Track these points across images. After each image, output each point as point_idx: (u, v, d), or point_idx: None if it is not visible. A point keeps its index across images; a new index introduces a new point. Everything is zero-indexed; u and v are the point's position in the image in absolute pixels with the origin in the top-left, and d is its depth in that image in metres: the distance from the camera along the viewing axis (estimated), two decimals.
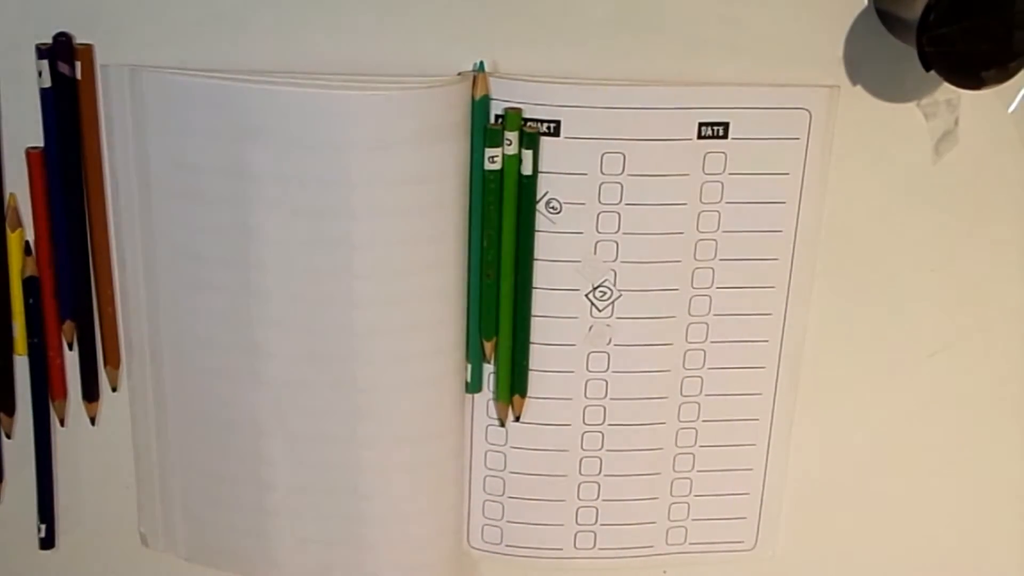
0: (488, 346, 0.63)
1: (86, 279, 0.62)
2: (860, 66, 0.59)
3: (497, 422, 0.65)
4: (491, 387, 0.64)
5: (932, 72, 0.54)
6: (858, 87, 0.60)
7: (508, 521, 0.67)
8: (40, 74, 0.58)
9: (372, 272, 0.59)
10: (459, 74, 0.58)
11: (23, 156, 0.59)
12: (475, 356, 0.63)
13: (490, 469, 0.66)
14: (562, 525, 0.67)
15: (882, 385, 0.66)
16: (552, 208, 0.61)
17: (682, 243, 0.62)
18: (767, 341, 0.64)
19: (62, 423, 0.65)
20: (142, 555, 0.68)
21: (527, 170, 0.59)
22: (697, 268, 0.62)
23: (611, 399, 0.64)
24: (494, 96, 0.59)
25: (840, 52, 0.59)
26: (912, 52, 0.54)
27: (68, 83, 0.58)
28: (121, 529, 0.68)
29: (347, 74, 0.58)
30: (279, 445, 0.63)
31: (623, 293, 0.62)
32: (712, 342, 0.64)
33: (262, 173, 0.58)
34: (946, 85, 0.56)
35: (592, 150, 0.60)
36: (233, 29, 0.58)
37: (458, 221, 0.60)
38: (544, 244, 0.61)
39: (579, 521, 0.67)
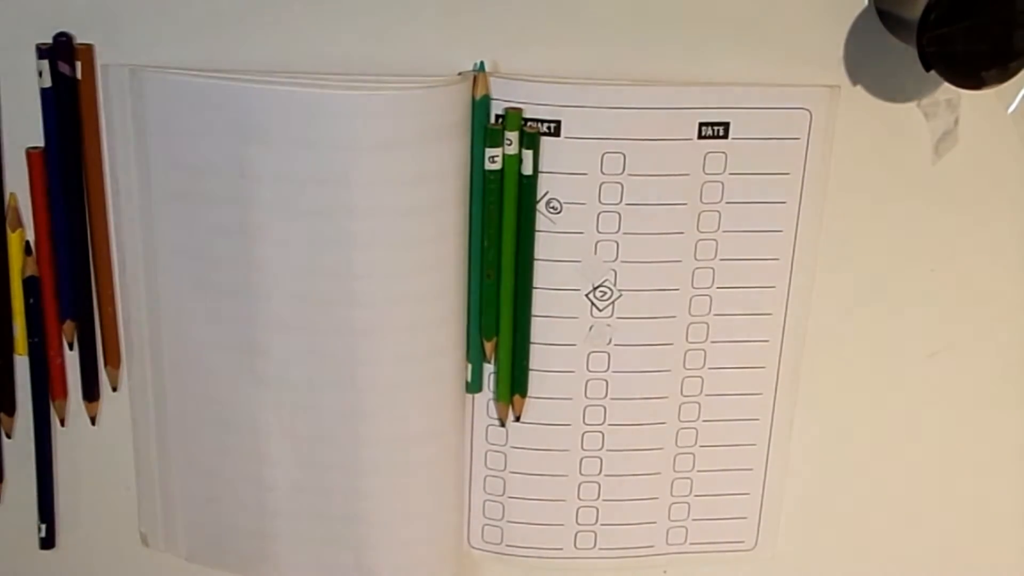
0: (488, 346, 0.63)
1: (86, 279, 0.62)
2: (860, 66, 0.60)
3: (497, 422, 0.65)
4: (491, 387, 0.64)
5: (932, 72, 0.54)
6: (858, 87, 0.60)
7: (508, 521, 0.67)
8: (40, 74, 0.58)
9: (372, 272, 0.59)
10: (459, 74, 0.58)
11: (23, 156, 0.59)
12: (475, 356, 0.63)
13: (490, 469, 0.66)
14: (562, 525, 0.67)
15: (882, 385, 0.66)
16: (552, 208, 0.61)
17: (682, 243, 0.62)
18: (767, 341, 0.64)
19: (62, 423, 0.65)
20: (142, 555, 0.68)
21: (527, 170, 0.59)
22: (697, 268, 0.62)
23: (611, 399, 0.64)
24: (494, 96, 0.59)
25: (840, 52, 0.59)
26: (912, 52, 0.54)
27: (68, 83, 0.58)
28: (121, 529, 0.68)
29: (347, 74, 0.58)
30: (279, 445, 0.63)
31: (623, 293, 0.62)
32: (712, 342, 0.64)
33: (262, 173, 0.58)
34: (946, 85, 0.56)
35: (592, 150, 0.60)
36: (233, 29, 0.58)
37: (458, 221, 0.60)
38: (544, 244, 0.61)
39: (579, 521, 0.67)
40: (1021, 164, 0.62)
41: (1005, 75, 0.55)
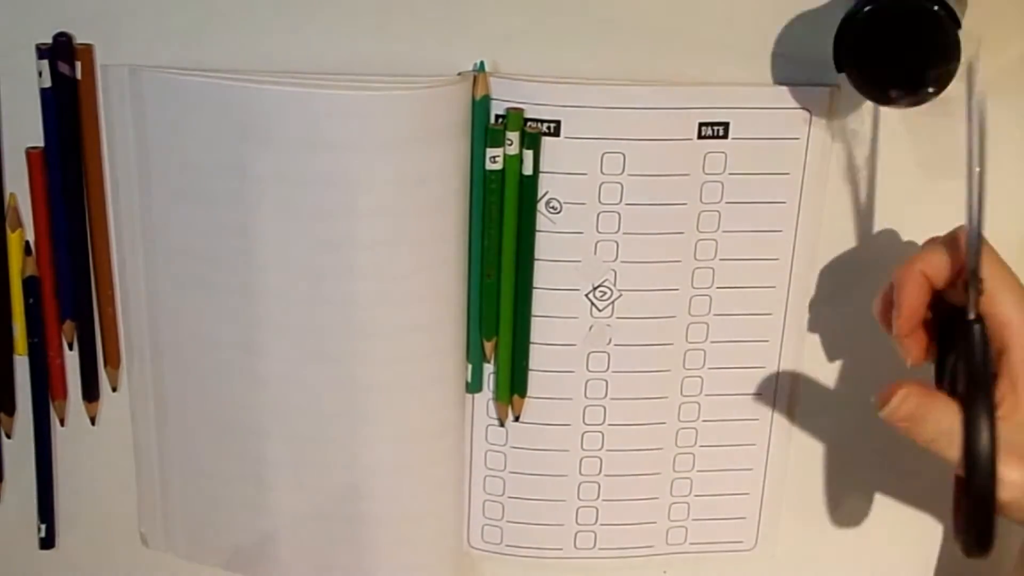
0: (488, 346, 0.63)
1: (86, 279, 0.62)
2: None
3: (497, 422, 0.65)
4: (491, 387, 0.64)
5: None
6: None
7: (508, 521, 0.67)
8: (40, 74, 0.58)
9: (373, 272, 0.59)
10: (459, 74, 0.58)
11: (23, 156, 0.59)
12: (475, 356, 0.63)
13: (490, 469, 0.66)
14: (562, 525, 0.67)
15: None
16: (552, 208, 0.61)
17: (682, 243, 0.62)
18: (767, 341, 0.64)
19: (62, 423, 0.65)
20: (142, 555, 0.68)
21: (528, 170, 0.59)
22: (697, 268, 0.62)
23: (611, 399, 0.64)
24: (494, 96, 0.59)
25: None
26: None
27: (68, 83, 0.58)
28: (121, 529, 0.68)
29: (347, 74, 0.58)
30: (279, 445, 0.63)
31: (623, 293, 0.62)
32: (712, 342, 0.64)
33: (262, 173, 0.58)
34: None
35: (592, 150, 0.60)
36: (233, 29, 0.58)
37: (458, 221, 0.60)
38: (544, 244, 0.61)
39: (579, 521, 0.67)
40: (1021, 164, 0.62)
41: (915, 101, 0.54)
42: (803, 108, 0.60)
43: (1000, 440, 0.51)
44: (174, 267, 0.61)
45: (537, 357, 0.63)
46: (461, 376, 0.63)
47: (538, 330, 0.63)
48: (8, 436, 0.65)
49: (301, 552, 0.66)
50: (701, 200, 0.61)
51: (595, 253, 0.62)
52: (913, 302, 0.55)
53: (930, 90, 0.53)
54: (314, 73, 0.58)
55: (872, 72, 0.54)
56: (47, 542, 0.67)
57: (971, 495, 0.52)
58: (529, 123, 0.59)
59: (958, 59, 0.53)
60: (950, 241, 0.55)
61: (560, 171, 0.60)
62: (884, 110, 0.60)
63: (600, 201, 0.60)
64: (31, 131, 0.59)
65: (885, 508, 0.69)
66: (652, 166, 0.60)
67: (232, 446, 0.64)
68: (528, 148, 0.59)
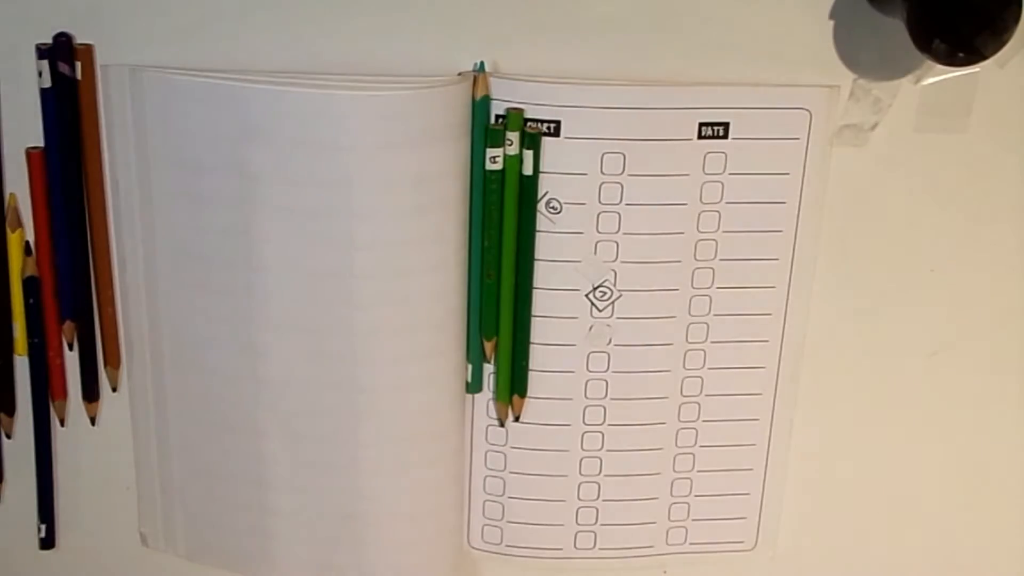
0: (488, 346, 0.63)
1: (86, 279, 0.62)
2: (860, 66, 0.60)
3: (497, 422, 0.65)
4: (491, 387, 0.64)
5: (926, 79, 0.54)
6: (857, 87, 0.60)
7: (508, 521, 0.67)
8: (40, 74, 0.58)
9: (373, 272, 0.59)
10: (459, 74, 0.58)
11: (23, 156, 0.59)
12: (475, 356, 0.63)
13: (490, 469, 0.66)
14: (562, 525, 0.67)
15: (882, 385, 0.66)
16: (552, 208, 0.61)
17: (682, 243, 0.62)
18: (767, 341, 0.64)
19: (62, 423, 0.65)
20: (142, 555, 0.68)
21: (528, 170, 0.59)
22: (697, 268, 0.62)
23: (611, 399, 0.64)
24: (494, 96, 0.59)
25: (840, 52, 0.59)
26: (911, 53, 0.54)
27: (68, 83, 0.58)
28: (121, 529, 0.68)
29: (347, 74, 0.58)
30: (279, 445, 0.63)
31: (623, 293, 0.62)
32: (712, 342, 0.64)
33: (262, 173, 0.58)
34: (894, 82, 0.55)
35: (592, 150, 0.60)
36: (233, 29, 0.58)
37: (459, 221, 0.60)
38: (544, 244, 0.61)
39: (579, 521, 0.67)
40: (1021, 164, 0.62)
41: (998, 43, 0.53)
42: (803, 108, 0.60)
43: None
44: (174, 267, 0.61)
45: (537, 357, 0.63)
46: (461, 376, 0.63)
47: (538, 330, 0.63)
48: (8, 436, 0.65)
49: (301, 552, 0.66)
50: (701, 200, 0.61)
51: (595, 253, 0.62)
52: None
53: (981, 50, 0.54)
54: (314, 73, 0.58)
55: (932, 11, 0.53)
56: (47, 542, 0.67)
57: None
58: (529, 123, 0.59)
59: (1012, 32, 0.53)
60: None
61: (560, 171, 0.60)
62: (884, 110, 0.60)
63: (600, 201, 0.60)
64: (31, 131, 0.59)
65: (886, 507, 0.69)
66: (652, 166, 0.60)
67: (232, 446, 0.64)
68: (528, 148, 0.59)
